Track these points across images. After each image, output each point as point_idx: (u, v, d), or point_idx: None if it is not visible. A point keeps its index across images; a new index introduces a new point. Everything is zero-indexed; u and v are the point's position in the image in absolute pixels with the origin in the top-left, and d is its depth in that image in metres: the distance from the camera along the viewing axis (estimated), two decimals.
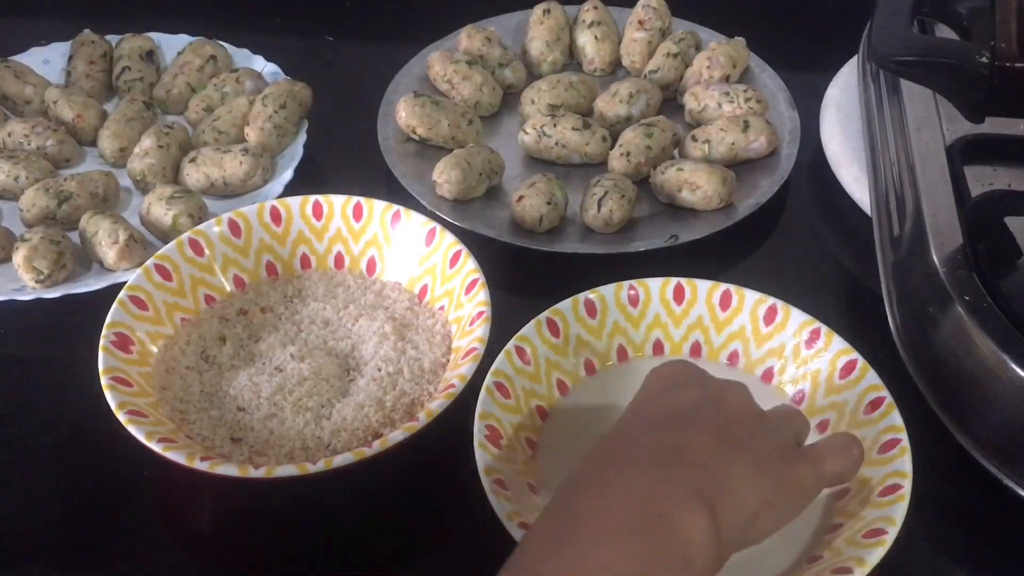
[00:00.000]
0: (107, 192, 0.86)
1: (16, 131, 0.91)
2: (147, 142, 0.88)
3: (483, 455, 0.63)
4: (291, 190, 0.86)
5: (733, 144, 0.87)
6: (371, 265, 0.79)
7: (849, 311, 0.73)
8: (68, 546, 0.67)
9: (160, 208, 0.82)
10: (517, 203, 0.83)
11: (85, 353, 0.70)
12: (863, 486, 0.62)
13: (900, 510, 0.59)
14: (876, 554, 0.57)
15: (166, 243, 0.77)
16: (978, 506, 0.66)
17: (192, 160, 0.88)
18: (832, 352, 0.68)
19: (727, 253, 0.84)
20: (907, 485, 0.60)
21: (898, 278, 0.73)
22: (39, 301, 0.79)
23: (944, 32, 0.77)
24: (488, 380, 0.67)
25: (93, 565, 0.67)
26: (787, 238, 0.87)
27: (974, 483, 0.64)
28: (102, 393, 0.66)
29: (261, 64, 0.98)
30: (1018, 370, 0.61)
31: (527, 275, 0.74)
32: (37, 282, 0.79)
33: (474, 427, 0.64)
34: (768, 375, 0.71)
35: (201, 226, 0.78)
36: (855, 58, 0.93)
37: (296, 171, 0.88)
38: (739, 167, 0.87)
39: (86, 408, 0.69)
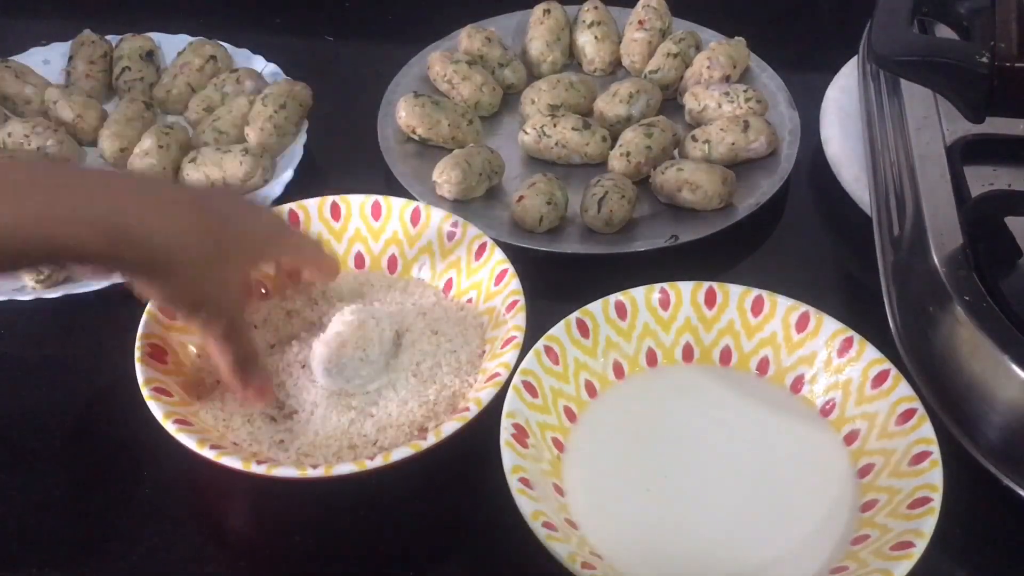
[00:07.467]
0: None
1: (16, 131, 0.90)
2: (147, 142, 0.88)
3: (509, 453, 0.62)
4: (291, 190, 0.86)
5: (733, 144, 0.87)
6: (392, 263, 0.79)
7: (849, 311, 0.73)
8: (68, 547, 0.67)
9: None
10: (517, 203, 0.83)
11: (85, 353, 0.70)
12: (892, 497, 0.62)
13: (929, 523, 0.59)
14: (903, 567, 0.57)
15: None
16: (977, 506, 0.66)
17: (192, 160, 0.88)
18: (865, 361, 0.68)
19: (727, 253, 0.84)
20: (937, 498, 0.60)
21: (898, 278, 0.73)
22: (39, 301, 0.78)
23: (944, 32, 0.77)
24: (516, 379, 0.66)
25: (94, 565, 0.67)
26: (787, 238, 0.87)
27: (973, 483, 0.64)
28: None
29: (261, 64, 0.98)
30: (1018, 370, 0.61)
31: (527, 275, 0.74)
32: (37, 282, 0.79)
33: (501, 425, 0.64)
34: (798, 383, 0.70)
35: None
36: (855, 58, 0.93)
37: (296, 171, 0.88)
38: (739, 167, 0.87)
39: (86, 408, 0.69)
